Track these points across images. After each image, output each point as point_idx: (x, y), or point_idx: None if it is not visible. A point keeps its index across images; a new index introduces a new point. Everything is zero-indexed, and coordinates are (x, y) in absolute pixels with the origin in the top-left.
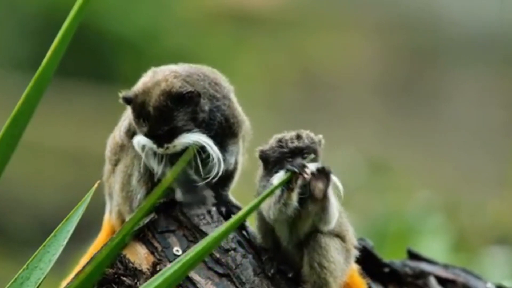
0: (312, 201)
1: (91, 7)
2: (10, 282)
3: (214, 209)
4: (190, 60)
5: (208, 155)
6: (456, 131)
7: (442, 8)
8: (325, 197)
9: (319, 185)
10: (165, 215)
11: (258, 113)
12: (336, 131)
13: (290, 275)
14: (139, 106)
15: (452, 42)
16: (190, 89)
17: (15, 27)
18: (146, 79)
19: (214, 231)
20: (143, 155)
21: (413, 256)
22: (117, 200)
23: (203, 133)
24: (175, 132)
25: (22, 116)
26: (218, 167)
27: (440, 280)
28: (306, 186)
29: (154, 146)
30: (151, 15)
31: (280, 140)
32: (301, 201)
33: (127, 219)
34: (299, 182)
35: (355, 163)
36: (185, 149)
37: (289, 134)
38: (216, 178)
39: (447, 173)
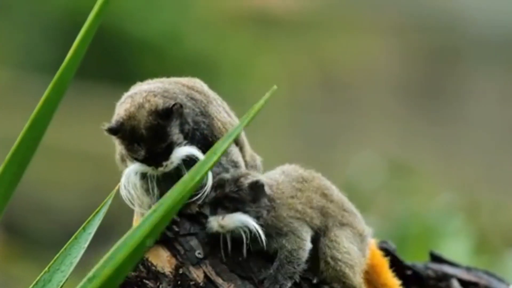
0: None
1: (112, 9)
2: (32, 285)
3: None
4: (211, 62)
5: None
6: (476, 132)
7: (462, 8)
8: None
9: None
10: (188, 218)
11: (278, 115)
12: (357, 133)
13: (314, 281)
14: (129, 132)
15: (472, 42)
16: (173, 102)
17: (38, 29)
18: (126, 106)
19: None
20: (132, 192)
21: (435, 258)
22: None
23: (190, 145)
24: (171, 148)
25: (42, 119)
26: (206, 180)
27: (462, 282)
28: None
29: (150, 169)
30: (172, 17)
31: (215, 179)
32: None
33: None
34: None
35: (376, 165)
36: (175, 169)
37: (220, 178)
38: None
39: (469, 175)
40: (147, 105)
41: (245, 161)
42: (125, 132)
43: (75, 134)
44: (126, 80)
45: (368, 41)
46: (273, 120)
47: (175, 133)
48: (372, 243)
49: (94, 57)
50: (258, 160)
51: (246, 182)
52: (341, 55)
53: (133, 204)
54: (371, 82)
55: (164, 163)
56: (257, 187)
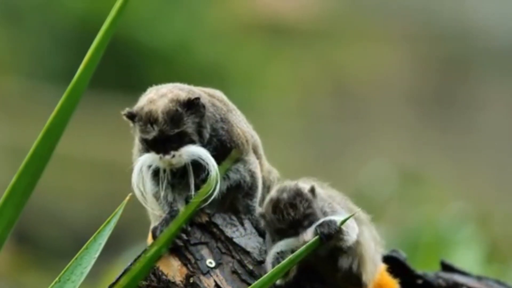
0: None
1: (124, 19)
2: None
3: (247, 221)
4: (222, 72)
5: (206, 175)
6: (488, 141)
7: (474, 17)
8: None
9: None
10: (198, 227)
11: (290, 124)
12: (368, 142)
13: None
14: (145, 114)
15: (484, 51)
16: (197, 96)
17: (50, 39)
18: (150, 95)
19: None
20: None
21: (446, 267)
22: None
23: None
24: (183, 139)
25: (56, 128)
26: (215, 187)
27: None
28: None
29: (158, 157)
30: (183, 27)
31: (275, 211)
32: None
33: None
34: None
35: (387, 174)
36: (183, 167)
37: (283, 201)
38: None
39: (480, 184)
40: (170, 95)
41: (262, 176)
42: (142, 115)
43: (86, 143)
44: (138, 89)
45: (379, 51)
46: (284, 129)
47: (190, 126)
48: (381, 266)
49: (106, 67)
50: (275, 174)
51: (309, 195)
52: (353, 64)
53: (144, 198)
54: (382, 91)
55: (172, 152)
56: (313, 192)
